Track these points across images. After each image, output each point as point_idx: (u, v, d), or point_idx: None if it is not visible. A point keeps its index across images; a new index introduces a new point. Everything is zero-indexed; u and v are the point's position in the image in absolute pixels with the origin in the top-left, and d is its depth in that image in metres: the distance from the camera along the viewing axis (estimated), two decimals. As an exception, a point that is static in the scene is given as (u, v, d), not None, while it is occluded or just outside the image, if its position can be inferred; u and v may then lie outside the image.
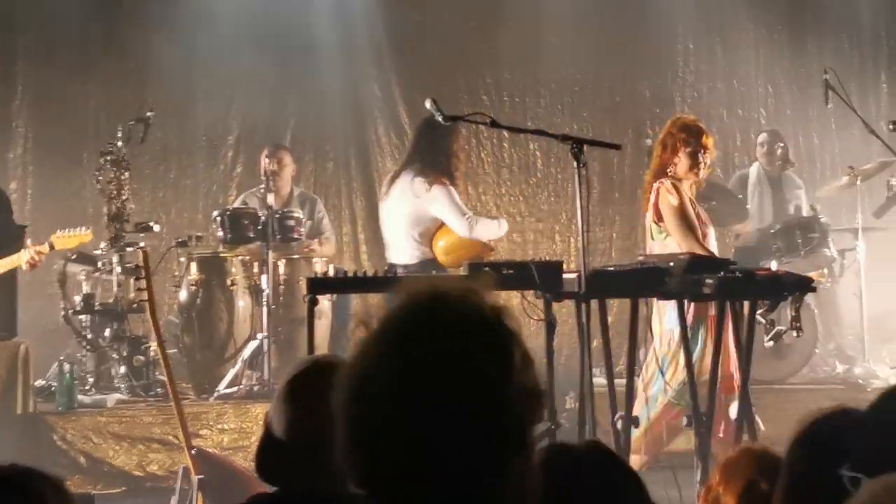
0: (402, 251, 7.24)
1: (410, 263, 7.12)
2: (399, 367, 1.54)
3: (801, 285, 5.65)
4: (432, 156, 7.14)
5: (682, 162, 6.25)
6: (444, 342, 1.54)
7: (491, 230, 7.35)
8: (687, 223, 6.17)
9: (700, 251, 6.04)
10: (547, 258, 7.87)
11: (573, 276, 5.29)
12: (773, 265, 8.04)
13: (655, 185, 6.28)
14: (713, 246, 6.34)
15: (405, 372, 1.53)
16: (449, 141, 7.15)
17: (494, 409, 1.54)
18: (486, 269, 5.47)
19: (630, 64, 10.49)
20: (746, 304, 5.61)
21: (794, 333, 5.83)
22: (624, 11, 10.31)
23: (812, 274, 7.75)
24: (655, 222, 6.30)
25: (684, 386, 5.93)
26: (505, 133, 9.81)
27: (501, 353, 1.56)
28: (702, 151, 6.24)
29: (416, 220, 7.16)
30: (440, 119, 5.65)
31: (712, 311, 5.98)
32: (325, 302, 7.64)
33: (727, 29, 10.55)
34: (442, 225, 7.16)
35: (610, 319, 6.90)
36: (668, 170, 6.28)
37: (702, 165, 6.26)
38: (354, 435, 1.56)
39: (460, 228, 7.12)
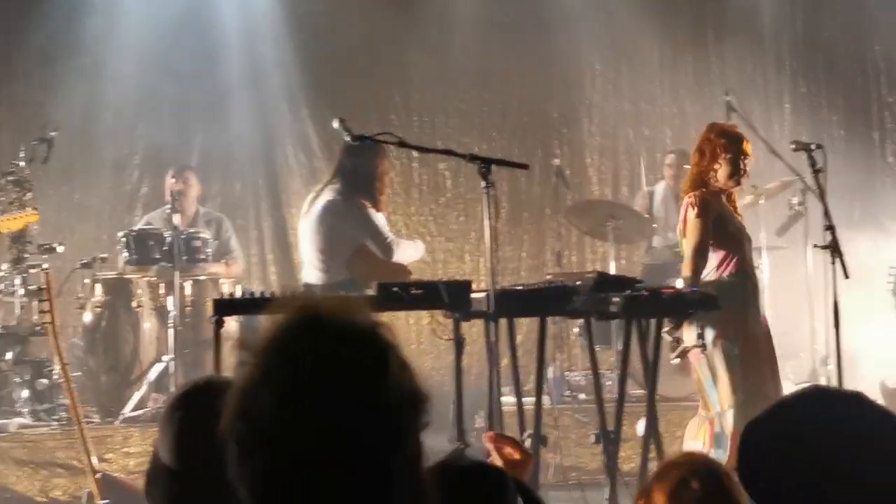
0: (319, 271, 7.12)
1: (327, 283, 7.02)
2: (279, 380, 1.55)
3: (706, 303, 5.73)
4: (356, 177, 7.05)
5: (722, 169, 6.06)
6: (323, 352, 1.56)
7: (410, 252, 7.32)
8: (695, 241, 6.04)
9: (688, 271, 6.02)
10: (456, 278, 7.89)
11: (482, 295, 5.31)
12: (679, 283, 8.14)
13: (686, 199, 6.16)
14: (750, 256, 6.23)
15: (286, 385, 1.55)
16: (375, 164, 7.07)
17: (374, 416, 1.56)
18: (396, 288, 5.47)
19: (538, 85, 10.58)
20: (653, 321, 5.69)
21: (700, 350, 5.90)
22: (532, 33, 10.39)
23: (717, 292, 7.86)
24: (683, 237, 6.21)
25: (734, 407, 5.91)
26: (414, 153, 9.81)
27: (377, 362, 1.58)
28: (742, 157, 6.07)
29: (335, 240, 7.04)
30: (348, 139, 5.64)
31: (758, 329, 6.01)
32: (232, 323, 7.56)
33: (633, 50, 10.67)
34: (361, 246, 7.06)
35: (520, 338, 6.97)
36: (709, 178, 6.10)
37: (743, 172, 6.07)
38: (243, 450, 1.57)
39: (381, 251, 7.05)
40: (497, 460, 3.13)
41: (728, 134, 6.14)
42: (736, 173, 6.07)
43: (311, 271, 7.21)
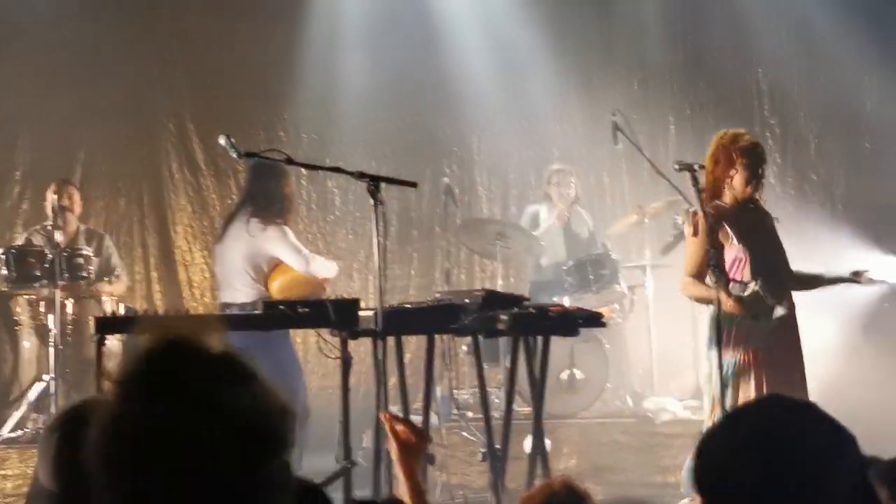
0: (237, 290, 7.18)
1: (246, 302, 7.05)
2: (140, 407, 1.56)
3: (592, 320, 5.78)
4: (266, 199, 7.18)
5: (738, 176, 5.92)
6: (185, 377, 1.58)
7: (325, 268, 7.36)
8: (688, 263, 5.94)
9: (688, 288, 5.93)
10: (345, 296, 7.85)
11: (370, 313, 5.30)
12: (566, 301, 8.21)
13: (690, 217, 6.00)
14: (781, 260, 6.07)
15: (149, 410, 1.56)
16: (282, 185, 7.22)
17: (240, 439, 1.57)
18: (283, 307, 5.43)
19: (429, 103, 10.58)
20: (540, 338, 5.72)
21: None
22: (422, 51, 10.40)
23: (603, 309, 7.92)
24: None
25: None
26: (303, 170, 9.74)
27: (233, 381, 1.60)
28: (760, 164, 5.95)
29: (251, 260, 7.14)
30: (234, 155, 5.58)
31: (746, 348, 5.83)
32: (115, 342, 7.44)
33: (522, 70, 10.74)
34: (277, 265, 7.15)
35: (408, 357, 6.95)
36: (724, 187, 5.96)
37: (761, 178, 5.94)
38: (112, 474, 1.55)
39: (298, 264, 7.13)
40: (392, 442, 3.15)
41: (743, 139, 6.03)
42: (755, 178, 5.94)
43: (229, 291, 7.28)
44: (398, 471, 3.18)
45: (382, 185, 5.36)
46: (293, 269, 7.10)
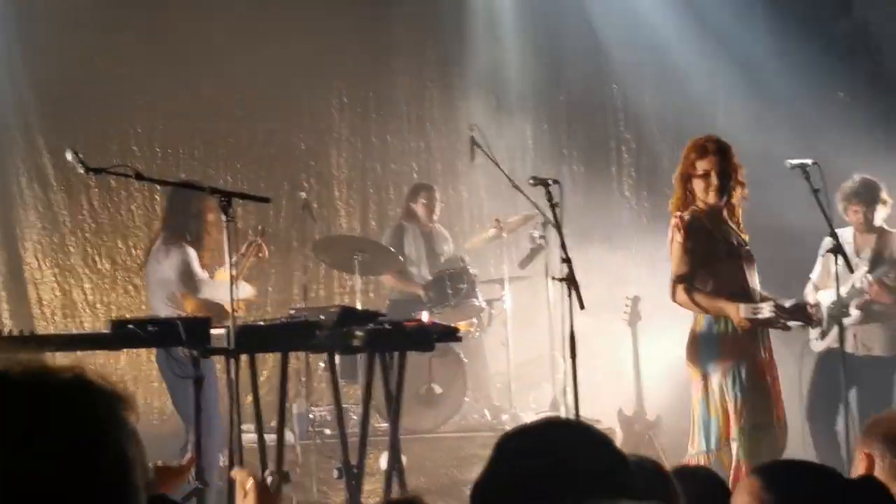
0: (160, 313, 7.07)
1: None
2: None
3: (447, 335, 5.79)
4: (180, 219, 7.17)
5: (698, 185, 5.79)
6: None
7: (220, 292, 7.19)
8: (679, 268, 5.83)
9: (678, 295, 5.83)
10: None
11: (222, 331, 5.22)
12: (425, 316, 8.21)
13: (672, 220, 5.89)
14: (755, 281, 5.94)
15: None
16: (196, 203, 7.08)
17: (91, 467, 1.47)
18: (131, 325, 5.31)
19: (285, 117, 10.51)
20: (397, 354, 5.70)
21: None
22: (278, 64, 10.31)
23: (461, 324, 7.95)
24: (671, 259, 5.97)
25: (745, 437, 5.71)
26: (157, 186, 9.56)
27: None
28: (720, 171, 5.74)
29: (163, 284, 7.15)
30: (82, 170, 5.44)
31: (762, 353, 5.83)
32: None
33: (380, 84, 10.74)
34: (181, 289, 7.14)
35: (266, 374, 6.85)
36: (691, 196, 5.86)
37: (713, 185, 5.75)
38: None
39: (190, 290, 7.10)
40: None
41: (699, 147, 5.85)
42: (709, 187, 5.79)
43: (153, 314, 7.18)
44: None
45: (236, 200, 5.30)
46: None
